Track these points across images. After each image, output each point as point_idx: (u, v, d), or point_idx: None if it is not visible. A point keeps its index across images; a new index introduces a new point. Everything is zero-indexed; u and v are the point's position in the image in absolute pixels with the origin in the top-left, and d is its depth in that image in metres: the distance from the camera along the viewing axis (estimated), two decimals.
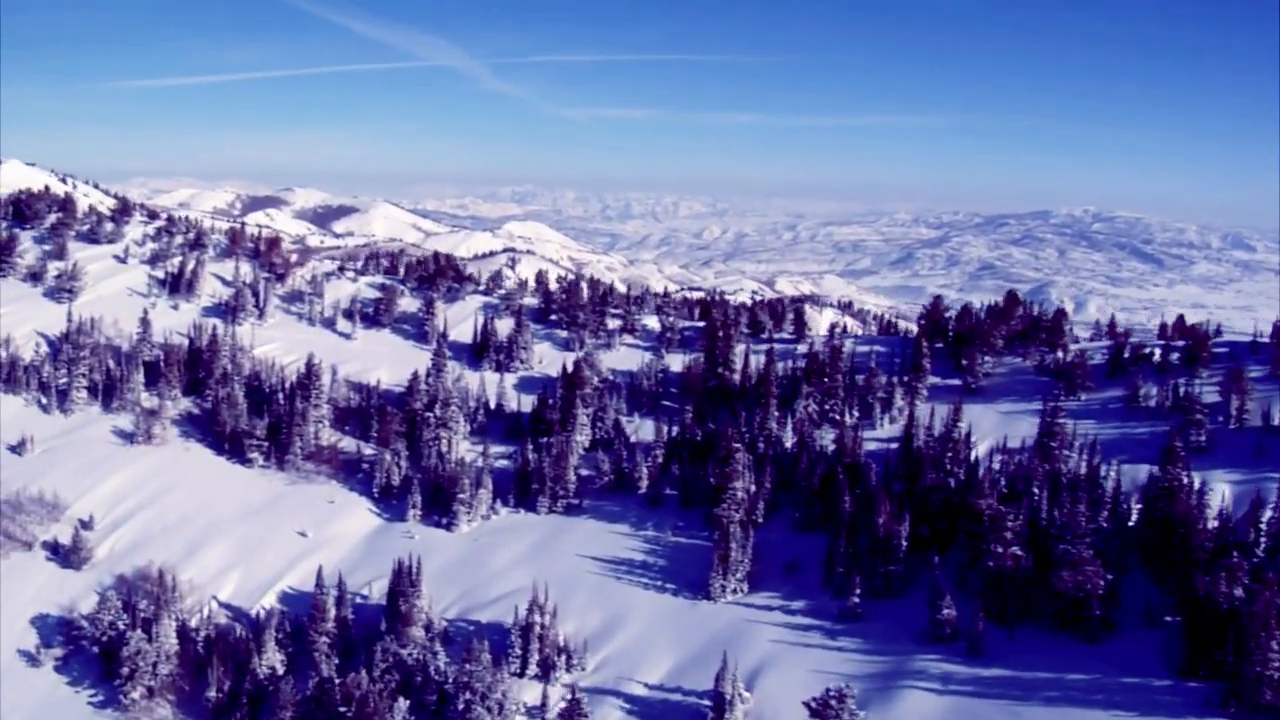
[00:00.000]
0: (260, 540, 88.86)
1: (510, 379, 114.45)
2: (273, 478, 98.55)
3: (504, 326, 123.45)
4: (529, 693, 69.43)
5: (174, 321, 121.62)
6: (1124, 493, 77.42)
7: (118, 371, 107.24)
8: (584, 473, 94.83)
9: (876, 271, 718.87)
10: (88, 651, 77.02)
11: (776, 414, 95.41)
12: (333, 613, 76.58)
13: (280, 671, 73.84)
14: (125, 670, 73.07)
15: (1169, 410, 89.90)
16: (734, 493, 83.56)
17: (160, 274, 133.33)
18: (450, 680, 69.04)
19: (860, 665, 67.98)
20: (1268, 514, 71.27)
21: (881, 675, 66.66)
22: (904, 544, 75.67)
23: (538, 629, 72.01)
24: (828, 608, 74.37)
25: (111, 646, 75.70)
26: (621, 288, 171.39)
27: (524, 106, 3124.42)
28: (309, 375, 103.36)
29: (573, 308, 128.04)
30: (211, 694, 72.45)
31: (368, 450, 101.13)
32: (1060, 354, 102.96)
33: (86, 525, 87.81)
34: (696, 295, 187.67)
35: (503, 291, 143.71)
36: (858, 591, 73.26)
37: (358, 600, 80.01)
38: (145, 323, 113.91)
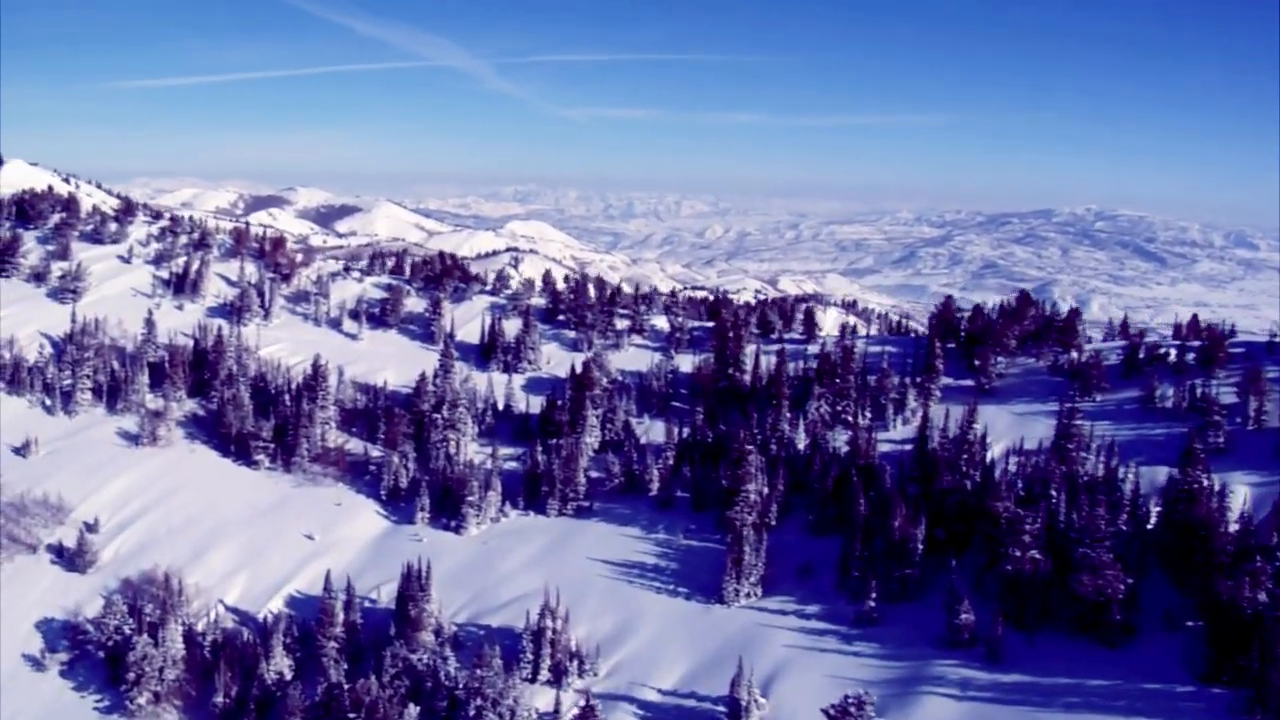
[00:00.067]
0: (267, 543, 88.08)
1: (518, 380, 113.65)
2: (279, 480, 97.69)
3: (511, 327, 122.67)
4: (541, 698, 68.62)
5: (179, 322, 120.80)
6: (1142, 495, 76.39)
7: (122, 373, 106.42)
8: (594, 475, 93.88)
9: (879, 270, 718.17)
10: (93, 656, 76.30)
11: (788, 415, 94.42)
12: (341, 617, 75.81)
13: (288, 677, 73.16)
14: (131, 675, 72.39)
15: (1186, 411, 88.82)
16: (747, 495, 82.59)
17: (165, 274, 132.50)
18: (461, 686, 68.27)
19: (877, 671, 66.98)
20: None
21: (899, 681, 65.68)
22: (920, 547, 74.57)
23: (549, 634, 71.07)
24: (843, 612, 73.34)
25: (117, 651, 75.00)
26: (625, 287, 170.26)
27: (526, 106, 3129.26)
28: (315, 376, 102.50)
29: (581, 308, 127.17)
30: (219, 699, 71.74)
31: (375, 452, 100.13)
32: (1075, 354, 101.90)
33: (91, 528, 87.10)
34: (700, 294, 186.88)
35: (510, 292, 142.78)
36: (873, 595, 72.23)
37: (366, 604, 79.10)
38: (150, 323, 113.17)
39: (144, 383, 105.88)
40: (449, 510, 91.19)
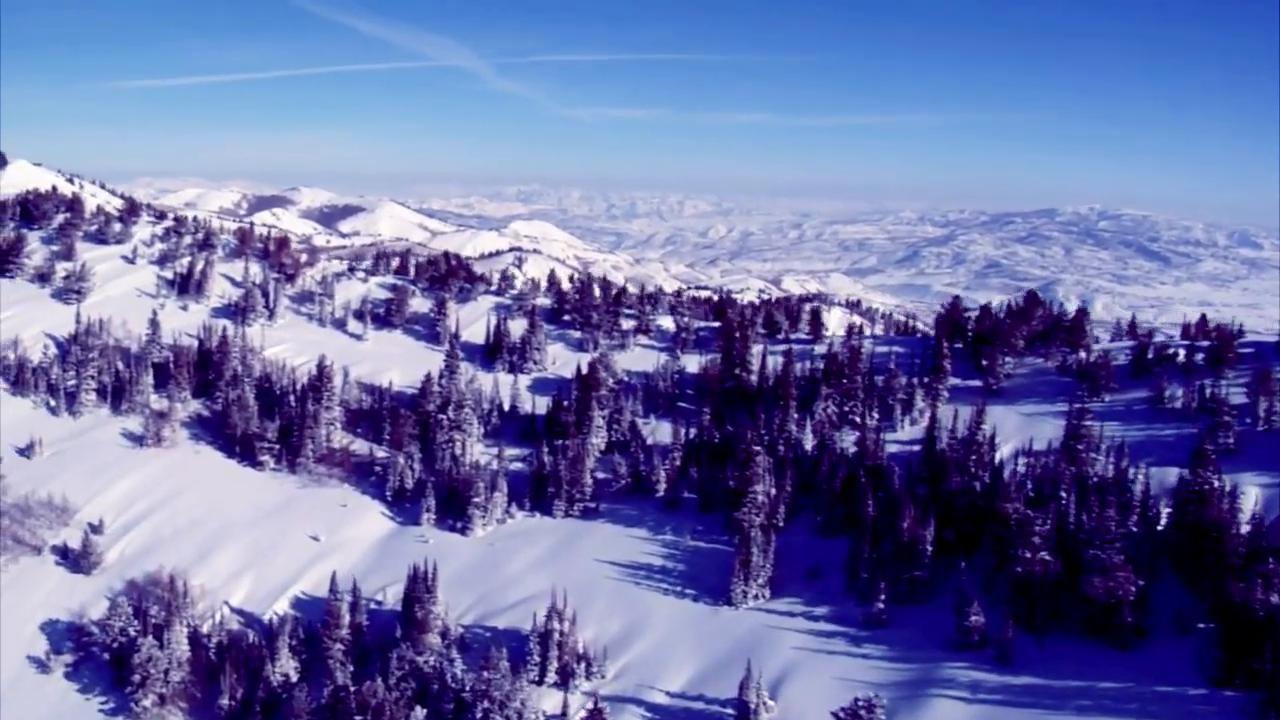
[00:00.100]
0: (272, 544, 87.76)
1: (524, 380, 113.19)
2: (284, 481, 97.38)
3: (517, 327, 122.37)
4: (548, 701, 68.12)
5: (183, 322, 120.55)
6: (1152, 496, 75.92)
7: (127, 373, 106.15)
8: (600, 476, 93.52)
9: (882, 270, 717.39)
10: (98, 658, 75.95)
11: (795, 416, 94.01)
12: (347, 619, 75.39)
13: (294, 679, 72.87)
14: (136, 677, 72.06)
15: (1195, 412, 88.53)
16: (754, 496, 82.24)
17: (169, 274, 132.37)
18: (468, 688, 67.89)
19: (886, 673, 66.59)
20: None
21: (909, 683, 65.29)
22: (929, 549, 74.15)
23: (557, 635, 70.72)
24: (852, 614, 72.97)
25: (122, 653, 74.66)
26: (630, 288, 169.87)
27: (529, 106, 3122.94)
28: (320, 377, 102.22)
29: (586, 308, 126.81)
30: (224, 702, 71.36)
31: (380, 453, 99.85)
32: (1083, 354, 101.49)
33: (96, 529, 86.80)
34: (704, 294, 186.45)
35: (515, 292, 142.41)
36: (882, 597, 71.84)
37: (372, 606, 78.68)
38: (154, 324, 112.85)
39: (148, 383, 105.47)
40: (455, 511, 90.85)
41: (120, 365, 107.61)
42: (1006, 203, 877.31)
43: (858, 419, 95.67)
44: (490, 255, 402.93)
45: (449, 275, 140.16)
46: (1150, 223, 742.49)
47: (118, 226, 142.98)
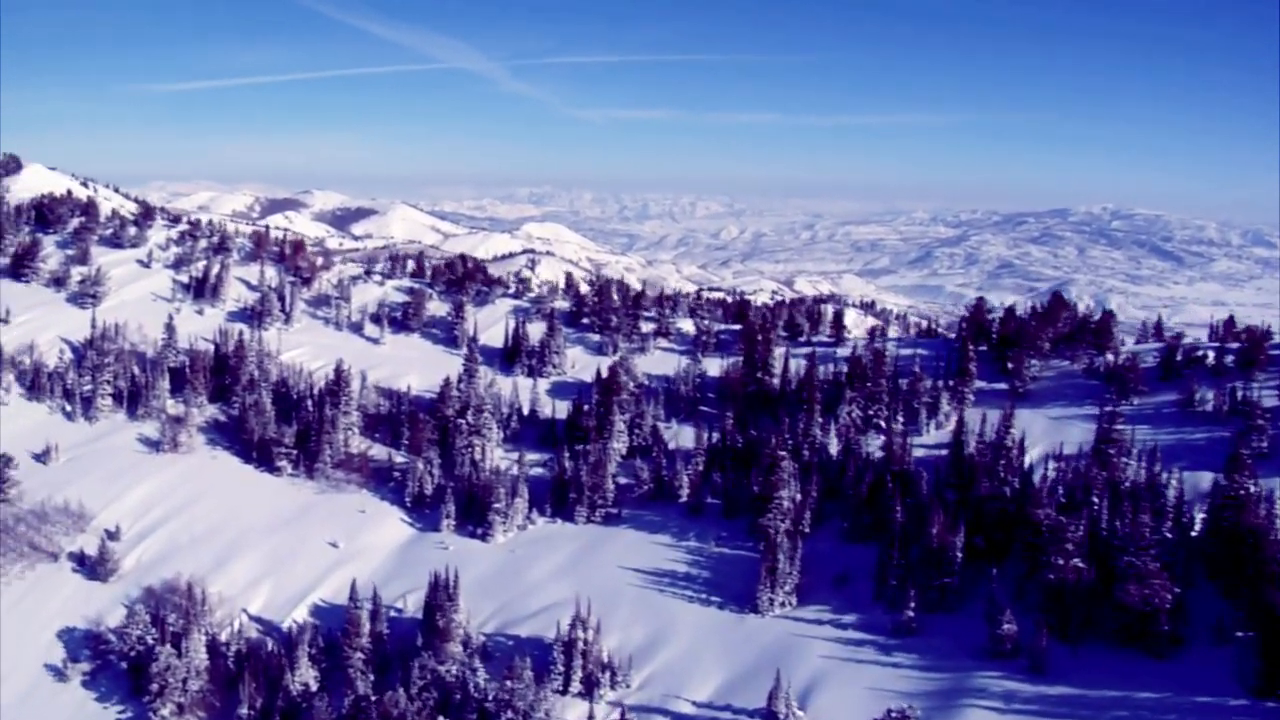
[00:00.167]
0: (290, 551, 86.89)
1: (543, 384, 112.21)
2: (302, 487, 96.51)
3: (535, 330, 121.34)
4: (573, 711, 67.31)
5: (199, 327, 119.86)
6: (1186, 502, 74.52)
7: (143, 378, 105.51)
8: (622, 481, 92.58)
9: (895, 271, 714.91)
10: (115, 666, 75.24)
11: (819, 420, 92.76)
12: (367, 627, 74.52)
13: (314, 688, 72.00)
14: (155, 686, 71.38)
15: (1227, 415, 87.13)
16: (780, 502, 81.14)
17: (184, 278, 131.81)
18: (491, 698, 67.04)
19: (918, 682, 65.43)
20: None
21: (941, 693, 64.11)
22: (959, 555, 72.97)
23: (581, 644, 69.61)
24: (881, 622, 71.79)
25: (140, 661, 73.97)
26: (645, 290, 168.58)
27: (540, 108, 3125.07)
28: (338, 381, 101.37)
29: (605, 311, 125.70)
30: (244, 711, 70.45)
31: (399, 458, 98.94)
32: (1110, 356, 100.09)
33: (113, 536, 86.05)
34: (717, 295, 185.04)
35: (533, 295, 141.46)
36: (912, 605, 70.67)
37: (392, 614, 77.77)
38: (170, 328, 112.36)
39: (164, 388, 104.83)
40: (475, 517, 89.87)
41: (136, 370, 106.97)
42: (1019, 203, 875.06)
43: (883, 423, 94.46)
44: (503, 257, 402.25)
45: (466, 278, 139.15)
46: (1163, 222, 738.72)
47: (133, 230, 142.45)
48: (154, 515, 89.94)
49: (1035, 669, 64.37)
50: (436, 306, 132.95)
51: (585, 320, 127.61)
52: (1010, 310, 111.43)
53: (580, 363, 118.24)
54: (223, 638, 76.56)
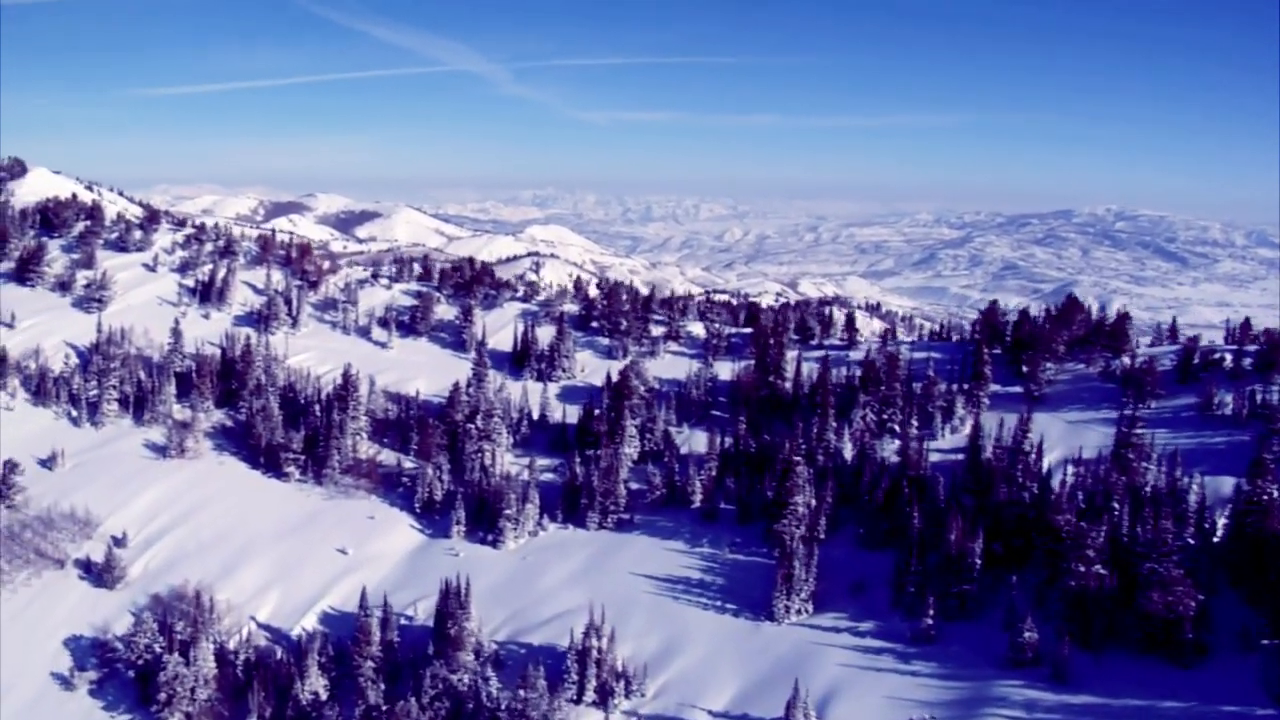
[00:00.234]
0: (299, 558, 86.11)
1: (553, 388, 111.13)
2: (310, 492, 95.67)
3: (544, 334, 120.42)
4: None
5: (205, 331, 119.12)
6: (1207, 507, 73.48)
7: (149, 383, 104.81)
8: (634, 486, 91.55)
9: (899, 272, 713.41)
10: (123, 675, 74.79)
11: (834, 424, 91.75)
12: (377, 635, 73.76)
13: (324, 698, 71.46)
14: (163, 695, 71.02)
15: (1246, 419, 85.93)
16: (795, 507, 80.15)
17: (190, 282, 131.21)
18: (504, 707, 66.46)
19: (938, 691, 64.47)
20: None
21: (961, 702, 63.19)
22: (978, 562, 71.87)
23: (594, 653, 68.70)
24: (899, 629, 70.77)
25: (148, 669, 73.55)
26: (647, 292, 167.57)
27: (543, 110, 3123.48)
28: (346, 386, 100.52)
29: (614, 314, 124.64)
30: None
31: (408, 463, 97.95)
32: (1126, 360, 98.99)
33: (119, 542, 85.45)
34: (722, 298, 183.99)
35: (541, 298, 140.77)
36: (930, 612, 69.61)
37: (403, 621, 76.90)
38: (176, 332, 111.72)
39: (171, 393, 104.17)
40: (485, 523, 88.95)
41: (142, 375, 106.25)
42: (1023, 204, 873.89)
43: (897, 427, 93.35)
44: (507, 260, 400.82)
45: (474, 281, 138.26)
46: (1167, 223, 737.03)
47: (138, 234, 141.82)
48: (161, 522, 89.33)
49: (1057, 678, 63.36)
50: (444, 310, 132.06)
51: (594, 324, 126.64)
52: (1024, 313, 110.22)
53: (590, 366, 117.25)
54: (231, 646, 75.84)
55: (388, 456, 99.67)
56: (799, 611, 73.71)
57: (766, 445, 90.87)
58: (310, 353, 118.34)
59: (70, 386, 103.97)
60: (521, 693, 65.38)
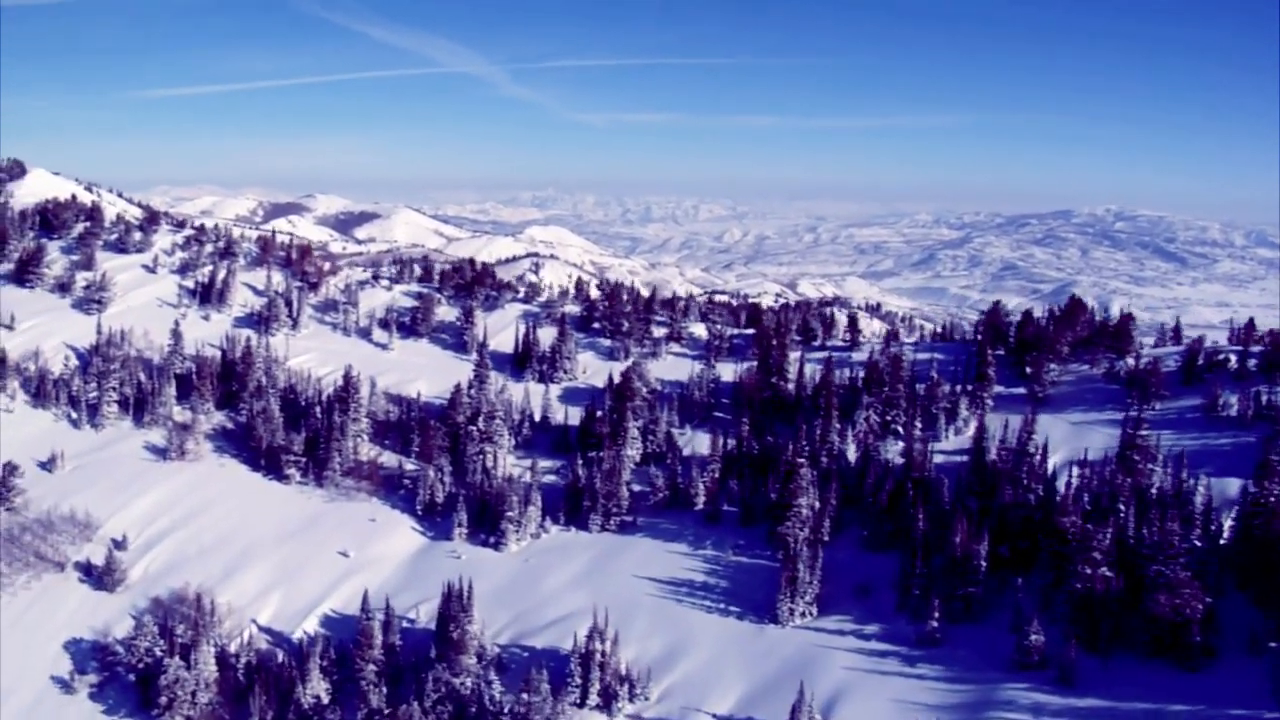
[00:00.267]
0: (300, 561, 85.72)
1: (554, 390, 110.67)
2: (311, 495, 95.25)
3: (545, 335, 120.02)
4: None
5: (205, 332, 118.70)
6: (1214, 509, 73.08)
7: (149, 385, 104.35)
8: (636, 488, 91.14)
9: (898, 273, 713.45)
10: (123, 679, 74.48)
11: (837, 426, 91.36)
12: (379, 638, 73.39)
13: (325, 701, 71.22)
14: (164, 699, 70.81)
15: (1252, 420, 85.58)
16: (798, 509, 79.75)
17: (190, 284, 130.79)
18: (506, 711, 66.24)
19: (944, 695, 64.17)
20: None
21: (967, 706, 62.88)
22: (983, 564, 71.52)
23: (598, 656, 68.33)
24: (904, 632, 70.41)
25: (148, 673, 73.24)
26: (648, 293, 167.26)
27: (542, 111, 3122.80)
28: (347, 388, 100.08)
29: (616, 315, 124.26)
30: None
31: (409, 466, 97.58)
32: (1130, 361, 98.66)
33: (120, 545, 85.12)
34: (721, 298, 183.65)
35: (542, 299, 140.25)
36: (936, 615, 69.22)
37: (405, 624, 76.53)
38: (176, 334, 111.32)
39: (171, 395, 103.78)
40: (487, 526, 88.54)
41: (142, 376, 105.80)
42: (1022, 204, 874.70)
43: (901, 429, 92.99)
44: (507, 261, 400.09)
45: (475, 283, 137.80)
46: (1166, 223, 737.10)
47: (138, 235, 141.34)
48: (161, 524, 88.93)
49: (1064, 680, 63.03)
50: (445, 311, 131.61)
51: (596, 325, 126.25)
52: (1028, 314, 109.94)
53: (592, 368, 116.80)
54: (232, 649, 75.46)
55: (389, 459, 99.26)
56: (803, 614, 73.36)
57: (769, 447, 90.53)
58: (311, 354, 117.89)
59: (70, 388, 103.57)
60: (524, 696, 65.08)
